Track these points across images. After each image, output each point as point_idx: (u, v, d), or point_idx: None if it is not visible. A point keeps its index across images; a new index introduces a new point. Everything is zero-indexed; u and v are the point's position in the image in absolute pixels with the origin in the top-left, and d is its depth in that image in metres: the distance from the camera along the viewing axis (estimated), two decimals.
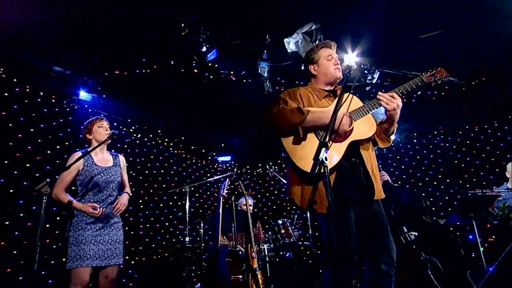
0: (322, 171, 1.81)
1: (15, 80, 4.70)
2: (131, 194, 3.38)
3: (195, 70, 5.16)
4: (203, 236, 4.91)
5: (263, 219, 7.37)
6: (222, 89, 5.67)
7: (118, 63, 5.01)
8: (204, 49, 4.68)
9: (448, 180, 6.54)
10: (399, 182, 6.73)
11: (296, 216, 5.68)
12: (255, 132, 6.99)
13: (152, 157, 6.52)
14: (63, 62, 4.86)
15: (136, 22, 4.23)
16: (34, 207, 4.42)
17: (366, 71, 5.16)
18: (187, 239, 4.55)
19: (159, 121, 6.67)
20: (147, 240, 5.99)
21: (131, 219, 5.75)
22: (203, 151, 7.74)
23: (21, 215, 4.36)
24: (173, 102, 5.97)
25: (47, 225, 4.38)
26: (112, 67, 5.08)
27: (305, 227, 5.65)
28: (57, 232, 4.53)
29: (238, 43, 4.78)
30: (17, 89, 4.71)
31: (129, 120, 6.27)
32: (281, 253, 5.08)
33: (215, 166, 8.01)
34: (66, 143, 4.98)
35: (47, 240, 4.41)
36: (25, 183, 4.46)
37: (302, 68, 5.02)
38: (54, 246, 4.51)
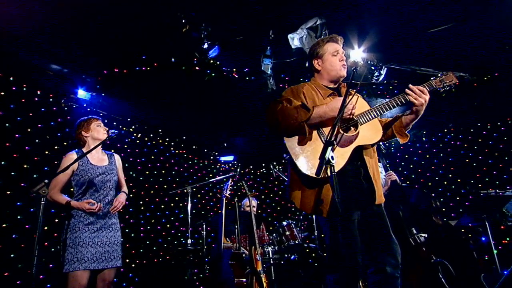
0: (328, 172, 1.82)
1: (11, 79, 4.71)
2: (127, 193, 3.37)
3: (197, 68, 5.16)
4: (206, 238, 4.90)
5: (267, 221, 7.37)
6: (224, 87, 5.66)
7: (117, 60, 5.01)
8: (205, 45, 4.67)
9: (459, 180, 6.50)
10: (408, 182, 6.70)
11: (301, 217, 5.67)
12: (259, 131, 6.98)
13: (152, 157, 6.53)
14: (61, 60, 4.87)
15: (136, 18, 4.23)
16: (32, 209, 4.43)
17: (373, 68, 5.13)
18: (189, 241, 4.54)
19: (159, 120, 6.67)
20: (148, 242, 6.00)
21: (131, 221, 5.76)
22: (205, 150, 7.74)
23: (19, 217, 4.36)
24: (174, 101, 5.97)
25: (46, 228, 4.39)
26: (111, 65, 5.08)
27: (310, 228, 5.65)
28: (55, 234, 4.53)
29: (240, 40, 4.77)
30: (14, 88, 4.72)
31: (128, 119, 6.28)
32: (286, 255, 5.08)
33: (218, 166, 8.00)
34: (65, 143, 4.98)
35: (46, 243, 4.42)
36: (22, 184, 4.47)
37: (306, 64, 5.06)
38: (53, 249, 4.51)
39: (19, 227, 4.33)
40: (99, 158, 3.21)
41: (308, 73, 2.62)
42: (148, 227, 6.07)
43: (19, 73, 4.76)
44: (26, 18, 3.98)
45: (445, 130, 6.86)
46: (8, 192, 4.37)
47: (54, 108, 5.12)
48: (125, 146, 6.06)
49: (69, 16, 4.08)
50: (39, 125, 4.87)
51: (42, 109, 4.97)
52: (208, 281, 4.48)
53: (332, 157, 1.82)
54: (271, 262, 4.80)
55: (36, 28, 4.16)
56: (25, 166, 4.58)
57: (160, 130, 6.82)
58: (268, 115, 2.30)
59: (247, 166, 8.35)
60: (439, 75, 2.32)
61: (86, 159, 3.10)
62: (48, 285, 4.39)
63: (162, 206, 6.43)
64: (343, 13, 4.35)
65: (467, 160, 6.53)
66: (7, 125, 4.57)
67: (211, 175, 7.59)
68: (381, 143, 3.93)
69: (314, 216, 5.11)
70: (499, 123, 6.37)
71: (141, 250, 5.85)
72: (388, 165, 4.51)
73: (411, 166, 6.97)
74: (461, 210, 6.13)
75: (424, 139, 7.02)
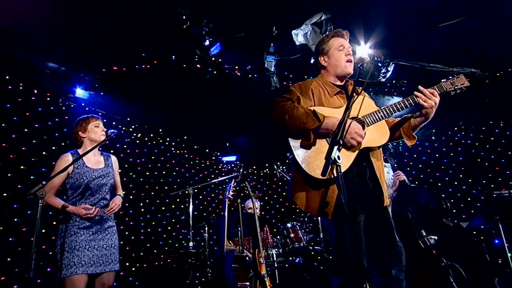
0: (334, 172, 1.81)
1: (7, 77, 4.70)
2: (123, 197, 3.35)
3: (198, 65, 5.15)
4: (208, 241, 4.91)
5: (271, 223, 7.37)
6: (227, 85, 5.65)
7: (116, 58, 5.01)
8: (207, 42, 4.67)
9: (470, 180, 6.46)
10: (416, 183, 6.67)
11: (306, 219, 5.67)
12: (262, 130, 6.97)
13: (153, 157, 6.54)
14: (58, 58, 4.87)
15: (135, 14, 4.22)
16: (29, 212, 4.44)
17: (379, 64, 5.11)
18: (190, 244, 4.55)
19: (160, 120, 6.68)
20: (148, 245, 6.00)
21: (131, 223, 5.77)
22: (207, 151, 7.75)
23: (16, 220, 4.37)
24: (174, 99, 5.97)
25: (43, 230, 4.39)
26: (110, 63, 5.08)
27: (315, 230, 5.64)
28: (53, 238, 4.51)
29: (243, 36, 4.76)
30: (10, 87, 4.72)
31: (128, 119, 6.29)
32: (290, 258, 5.08)
33: (220, 167, 8.01)
34: (62, 144, 4.99)
35: (43, 246, 4.43)
36: (19, 186, 4.47)
37: (312, 61, 5.05)
38: (51, 253, 4.51)
39: (16, 230, 4.32)
40: (95, 161, 3.17)
41: (315, 71, 2.61)
42: (149, 230, 6.08)
43: (15, 71, 4.76)
44: (22, 15, 3.97)
45: (455, 128, 6.83)
46: (5, 194, 4.37)
47: (52, 108, 5.13)
48: (125, 146, 6.07)
49: (66, 13, 4.08)
50: (36, 125, 4.88)
51: (39, 109, 4.97)
52: (210, 285, 4.48)
53: (339, 157, 1.81)
54: (275, 265, 4.80)
55: (33, 25, 4.15)
56: (22, 167, 4.58)
57: (160, 130, 6.83)
58: (274, 112, 2.28)
59: (250, 166, 8.35)
60: (450, 77, 2.33)
61: (82, 161, 3.06)
62: None
63: (163, 208, 6.44)
64: (349, 8, 4.32)
65: (478, 159, 6.48)
66: (3, 125, 4.57)
67: (213, 176, 7.61)
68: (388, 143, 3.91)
69: (319, 218, 5.10)
70: None
71: (142, 253, 5.85)
72: (396, 165, 4.49)
73: (420, 166, 6.94)
74: (472, 211, 6.11)
75: (433, 137, 6.99)
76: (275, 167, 5.55)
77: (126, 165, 5.85)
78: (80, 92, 5.35)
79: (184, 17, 4.34)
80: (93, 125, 3.19)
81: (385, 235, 2.21)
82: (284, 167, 7.06)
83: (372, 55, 4.96)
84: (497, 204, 3.99)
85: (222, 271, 4.14)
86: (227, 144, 7.79)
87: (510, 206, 4.06)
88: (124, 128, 6.15)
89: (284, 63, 5.19)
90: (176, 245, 6.39)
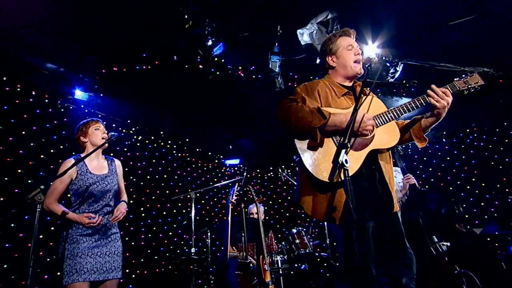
0: (341, 176, 1.80)
1: (4, 78, 4.73)
2: (128, 202, 3.36)
3: (200, 66, 5.16)
4: (210, 246, 4.89)
5: (275, 228, 7.34)
6: (230, 86, 5.65)
7: (116, 59, 5.03)
8: (209, 42, 4.68)
9: (483, 184, 6.41)
10: (427, 186, 6.64)
11: (312, 224, 5.64)
12: (266, 133, 6.96)
13: (154, 160, 6.55)
14: (57, 58, 4.88)
15: (136, 14, 4.24)
16: (26, 217, 4.45)
17: (388, 64, 5.10)
18: (192, 250, 4.53)
19: (161, 122, 6.69)
20: (149, 251, 6.00)
21: (131, 228, 5.76)
22: (210, 153, 7.75)
23: (13, 225, 4.38)
24: (176, 101, 5.98)
25: (41, 236, 4.41)
26: (110, 64, 5.10)
27: (322, 236, 5.61)
28: (51, 243, 4.55)
29: (246, 36, 4.76)
30: (7, 88, 4.74)
31: (128, 121, 6.30)
32: (296, 265, 5.06)
33: (223, 170, 8.01)
34: (61, 147, 5.01)
35: (41, 253, 4.44)
36: (16, 190, 4.48)
37: (317, 61, 5.04)
38: (48, 259, 4.53)
39: (12, 236, 4.33)
40: (98, 166, 3.17)
41: (321, 71, 2.60)
42: (150, 235, 6.08)
43: (12, 72, 4.78)
44: (20, 14, 3.98)
45: (467, 130, 6.79)
46: (1, 199, 4.38)
47: (50, 110, 5.15)
48: (125, 149, 6.08)
49: (65, 12, 4.09)
50: (34, 128, 4.90)
51: (37, 111, 4.99)
52: None
53: (346, 161, 1.80)
54: (280, 272, 4.77)
55: (31, 25, 4.16)
56: (19, 171, 4.60)
57: (161, 132, 6.84)
58: (279, 114, 2.28)
59: (254, 170, 8.34)
60: (463, 76, 2.30)
61: (85, 167, 3.07)
62: None
63: (164, 213, 6.44)
64: (356, 6, 4.32)
65: (492, 162, 6.44)
66: (0, 127, 4.60)
67: (215, 180, 7.60)
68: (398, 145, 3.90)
69: (326, 223, 5.08)
70: None
71: (142, 260, 5.85)
72: (405, 168, 4.47)
73: (430, 169, 6.90)
74: (486, 217, 6.07)
75: (444, 140, 6.95)
76: (280, 170, 5.55)
77: (126, 169, 5.76)
78: (79, 94, 5.36)
79: (186, 17, 4.35)
80: (93, 129, 3.19)
81: (395, 241, 2.19)
82: (289, 171, 7.06)
83: (380, 55, 4.95)
84: None
85: (225, 278, 4.13)
86: (230, 147, 7.80)
87: None
88: (124, 131, 6.16)
89: (289, 63, 5.18)
90: (178, 251, 6.39)
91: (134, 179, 6.05)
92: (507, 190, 6.11)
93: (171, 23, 4.40)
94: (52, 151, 4.95)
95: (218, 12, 4.45)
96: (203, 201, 7.16)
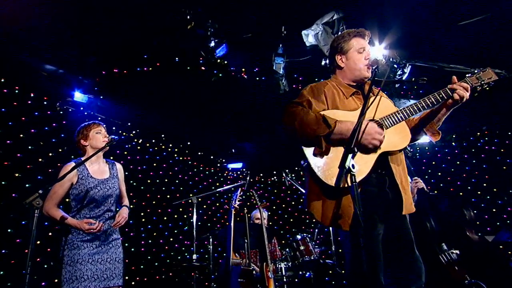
0: (348, 181, 1.79)
1: (2, 80, 4.75)
2: (130, 207, 3.37)
3: (203, 68, 5.17)
4: (212, 253, 4.88)
5: (279, 234, 7.31)
6: (233, 88, 5.66)
7: (116, 60, 5.05)
8: (212, 44, 4.69)
9: (495, 190, 6.37)
10: (436, 191, 6.60)
11: (317, 230, 5.62)
12: (269, 136, 6.96)
13: (154, 164, 6.55)
14: (56, 60, 4.91)
15: (137, 14, 4.25)
16: (24, 222, 4.46)
17: (395, 66, 5.08)
18: (194, 256, 4.52)
19: (162, 125, 6.70)
20: (149, 258, 5.99)
21: (131, 234, 5.76)
22: (212, 157, 7.75)
23: (9, 230, 4.38)
24: (178, 103, 5.99)
25: (38, 242, 4.40)
26: (110, 65, 5.12)
27: (327, 242, 5.58)
28: (49, 249, 4.55)
29: (250, 37, 4.77)
30: (5, 90, 4.76)
31: (129, 124, 6.31)
32: (300, 272, 5.03)
33: (225, 174, 8.00)
34: (60, 150, 5.02)
35: (38, 259, 4.44)
36: (14, 194, 4.49)
37: (323, 63, 5.04)
38: (46, 266, 4.53)
39: (9, 242, 4.33)
40: (99, 170, 3.17)
41: (329, 70, 2.58)
42: (150, 241, 6.07)
43: (10, 74, 4.80)
44: (18, 15, 3.99)
45: (478, 133, 6.75)
46: None
47: (49, 112, 5.17)
48: (125, 152, 6.09)
49: (64, 12, 4.10)
50: (32, 130, 4.91)
51: (36, 113, 5.02)
52: None
53: (353, 166, 1.79)
54: (284, 280, 4.75)
55: (29, 25, 4.18)
56: (16, 174, 4.61)
57: (162, 135, 6.85)
58: (284, 119, 2.27)
59: (257, 174, 8.32)
60: (476, 71, 2.28)
61: (86, 171, 3.07)
62: None
63: (165, 218, 6.44)
64: (362, 6, 4.32)
65: (504, 167, 6.39)
66: None
67: (218, 184, 7.59)
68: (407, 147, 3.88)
69: (331, 229, 5.07)
70: None
71: (142, 267, 5.84)
72: (414, 172, 4.44)
73: (440, 173, 6.86)
74: (498, 223, 6.02)
75: (453, 143, 6.91)
76: (284, 174, 5.53)
77: (126, 173, 5.78)
78: (78, 96, 5.38)
79: (188, 17, 4.37)
80: (94, 132, 3.19)
81: (405, 249, 2.19)
82: (293, 175, 7.01)
83: (387, 56, 4.93)
84: None
85: (227, 286, 4.11)
86: (233, 150, 7.79)
87: None
88: (124, 134, 6.17)
89: (294, 65, 5.18)
90: (179, 257, 6.38)
91: (135, 183, 6.05)
92: None
93: (173, 23, 4.43)
94: (50, 154, 4.96)
95: (221, 13, 4.46)
96: (205, 206, 7.14)
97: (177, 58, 5.11)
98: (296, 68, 5.33)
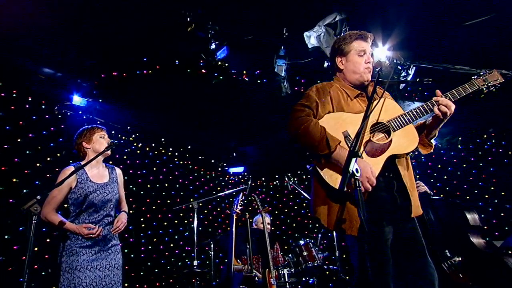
0: (352, 185, 1.78)
1: (0, 84, 4.77)
2: (128, 212, 3.36)
3: (203, 70, 5.18)
4: (214, 259, 4.88)
5: (282, 239, 7.31)
6: (234, 91, 5.67)
7: (116, 63, 5.06)
8: (213, 46, 4.69)
9: (503, 193, 6.33)
10: (441, 195, 6.57)
11: (320, 235, 5.61)
12: (271, 139, 6.96)
13: (154, 169, 6.56)
14: (54, 63, 4.93)
15: (136, 17, 4.26)
16: (21, 228, 4.45)
17: (399, 67, 5.08)
18: (195, 262, 4.52)
19: (162, 128, 6.71)
20: (149, 264, 5.98)
21: (130, 240, 5.75)
22: (213, 161, 7.76)
23: (6, 237, 4.38)
24: (178, 107, 6.00)
25: (36, 249, 4.41)
26: (109, 68, 5.13)
27: (331, 248, 5.58)
28: (47, 256, 4.55)
29: (251, 39, 4.77)
30: (3, 94, 4.78)
31: (128, 128, 6.33)
32: (303, 279, 5.02)
33: (226, 179, 8.00)
34: (58, 155, 5.03)
35: (35, 266, 4.44)
36: (11, 200, 4.49)
37: (325, 65, 5.04)
38: (44, 273, 4.53)
39: (6, 248, 4.33)
40: (99, 174, 3.17)
41: (331, 71, 2.58)
42: (150, 247, 6.07)
43: (8, 77, 4.81)
44: (15, 17, 4.00)
45: (485, 136, 6.73)
46: None
47: (47, 116, 5.18)
48: (125, 157, 6.10)
49: (63, 14, 4.11)
50: (30, 135, 4.92)
51: (34, 117, 5.02)
52: None
53: (357, 170, 1.79)
54: (287, 286, 4.74)
55: (27, 28, 4.19)
56: (14, 180, 4.61)
57: (162, 139, 6.86)
58: (290, 122, 2.27)
59: (259, 178, 8.32)
60: (482, 73, 2.28)
61: (86, 175, 3.07)
62: None
63: (165, 224, 6.43)
64: (365, 7, 4.32)
65: None
66: None
67: (219, 189, 7.60)
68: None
69: (335, 234, 5.05)
70: None
71: (142, 273, 5.83)
72: (417, 175, 4.43)
73: (445, 177, 6.84)
74: (506, 228, 5.99)
75: (459, 146, 6.89)
76: (286, 178, 5.53)
77: (126, 177, 5.79)
78: (77, 99, 5.39)
79: (188, 19, 4.38)
80: (98, 136, 3.20)
81: (416, 255, 2.15)
82: (295, 179, 7.01)
83: (391, 58, 4.93)
84: None
85: None
86: (234, 154, 7.80)
87: None
88: (124, 138, 6.18)
89: (296, 67, 5.19)
90: (179, 263, 6.37)
91: (134, 188, 6.06)
92: None
93: (172, 25, 4.43)
94: (48, 159, 4.97)
95: (221, 14, 4.47)
96: (206, 211, 7.14)
97: (177, 61, 5.12)
98: (298, 70, 5.33)
